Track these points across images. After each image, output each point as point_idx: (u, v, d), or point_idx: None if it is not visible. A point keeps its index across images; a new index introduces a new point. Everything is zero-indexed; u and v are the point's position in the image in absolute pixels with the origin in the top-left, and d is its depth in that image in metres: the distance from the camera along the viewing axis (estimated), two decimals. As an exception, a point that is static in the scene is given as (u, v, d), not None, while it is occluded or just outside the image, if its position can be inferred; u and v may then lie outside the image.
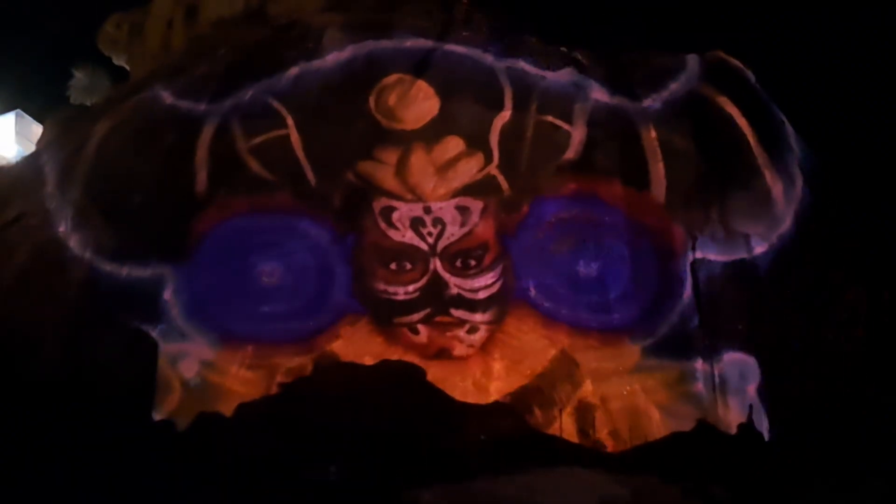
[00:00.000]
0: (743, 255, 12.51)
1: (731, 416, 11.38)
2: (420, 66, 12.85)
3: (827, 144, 13.56)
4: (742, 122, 13.00)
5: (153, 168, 12.30)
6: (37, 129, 16.26)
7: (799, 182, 12.88)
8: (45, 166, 12.73)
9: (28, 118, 16.74)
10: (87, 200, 12.13)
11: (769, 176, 12.74)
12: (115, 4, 16.85)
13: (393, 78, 12.73)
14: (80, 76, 17.05)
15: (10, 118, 16.61)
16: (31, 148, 14.87)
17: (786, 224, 12.61)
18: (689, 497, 8.22)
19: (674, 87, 13.19)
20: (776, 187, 12.70)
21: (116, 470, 9.16)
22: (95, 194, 12.18)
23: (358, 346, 11.84)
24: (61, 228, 11.97)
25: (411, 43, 13.03)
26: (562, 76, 13.14)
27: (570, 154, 12.77)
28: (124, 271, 11.79)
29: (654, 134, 12.81)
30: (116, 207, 12.11)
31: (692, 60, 13.54)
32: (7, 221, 12.31)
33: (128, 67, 16.60)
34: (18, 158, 14.83)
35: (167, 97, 12.81)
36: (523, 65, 13.11)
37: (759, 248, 12.52)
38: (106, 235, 11.90)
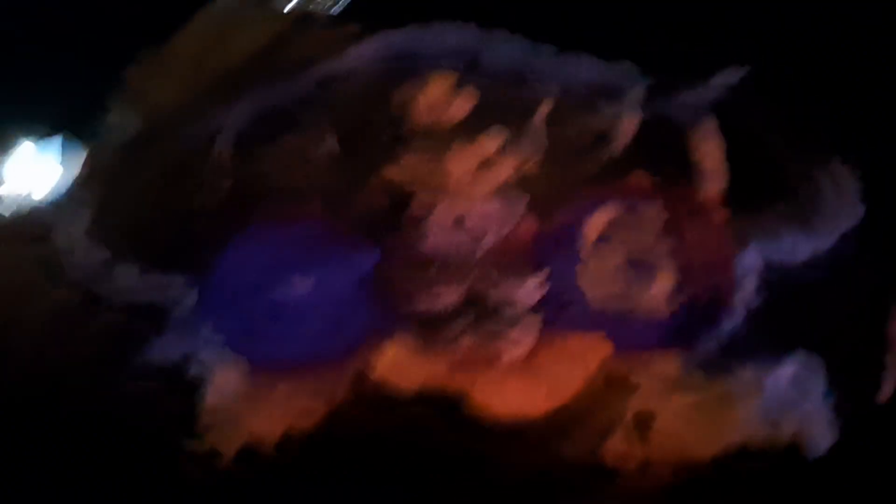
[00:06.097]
0: (802, 256, 11.73)
1: (784, 432, 10.81)
2: (455, 60, 12.23)
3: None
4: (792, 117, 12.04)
5: (177, 189, 12.09)
6: (80, 154, 16.45)
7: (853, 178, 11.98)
8: (83, 202, 12.73)
9: (72, 142, 16.96)
10: (122, 235, 12.02)
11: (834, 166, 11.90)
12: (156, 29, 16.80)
13: (426, 73, 12.16)
14: (114, 111, 17.18)
15: (54, 142, 16.86)
16: (75, 173, 15.06)
17: (849, 221, 11.76)
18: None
19: (718, 81, 12.35)
20: (841, 177, 11.87)
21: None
22: (129, 227, 12.09)
23: (397, 364, 11.28)
24: (99, 263, 11.90)
25: (444, 35, 12.43)
26: (603, 70, 12.44)
27: (617, 149, 12.06)
28: (154, 299, 11.60)
29: (709, 125, 11.96)
30: (149, 237, 11.96)
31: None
32: (46, 255, 12.33)
33: (159, 101, 16.61)
34: (61, 183, 15.09)
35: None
36: (564, 58, 12.46)
37: (819, 247, 11.72)
38: (140, 268, 11.78)
